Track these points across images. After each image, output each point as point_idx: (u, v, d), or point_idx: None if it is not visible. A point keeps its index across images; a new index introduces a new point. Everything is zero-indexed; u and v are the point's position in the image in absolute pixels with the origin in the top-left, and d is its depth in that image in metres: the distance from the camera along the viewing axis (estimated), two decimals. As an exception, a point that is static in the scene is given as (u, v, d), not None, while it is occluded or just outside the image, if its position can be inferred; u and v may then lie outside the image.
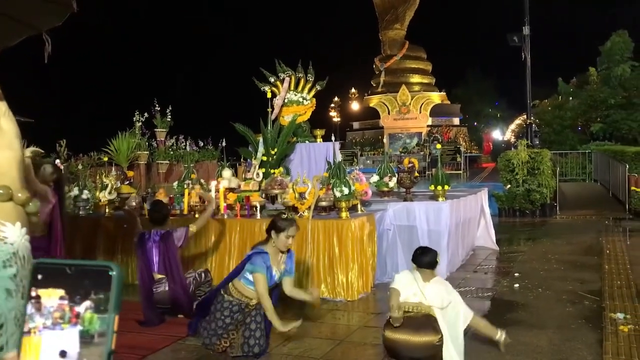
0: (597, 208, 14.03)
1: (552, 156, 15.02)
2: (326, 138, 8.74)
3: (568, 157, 18.93)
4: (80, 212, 7.75)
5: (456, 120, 35.63)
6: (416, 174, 7.54)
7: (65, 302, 0.98)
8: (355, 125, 36.24)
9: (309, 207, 6.39)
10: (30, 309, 0.97)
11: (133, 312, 5.47)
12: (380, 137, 31.70)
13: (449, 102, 36.24)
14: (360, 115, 36.58)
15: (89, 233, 7.51)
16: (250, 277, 4.31)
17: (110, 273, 0.99)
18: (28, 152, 5.32)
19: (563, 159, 18.68)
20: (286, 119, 8.82)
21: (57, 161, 5.90)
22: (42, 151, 5.46)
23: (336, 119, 42.41)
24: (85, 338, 0.96)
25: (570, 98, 27.40)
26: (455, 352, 4.02)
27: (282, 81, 8.95)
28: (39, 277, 1.00)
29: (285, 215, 4.50)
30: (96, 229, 7.47)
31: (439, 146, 7.82)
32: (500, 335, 4.33)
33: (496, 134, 48.61)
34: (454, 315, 4.14)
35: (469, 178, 22.13)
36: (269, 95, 8.67)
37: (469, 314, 4.24)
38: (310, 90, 9.01)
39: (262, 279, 4.24)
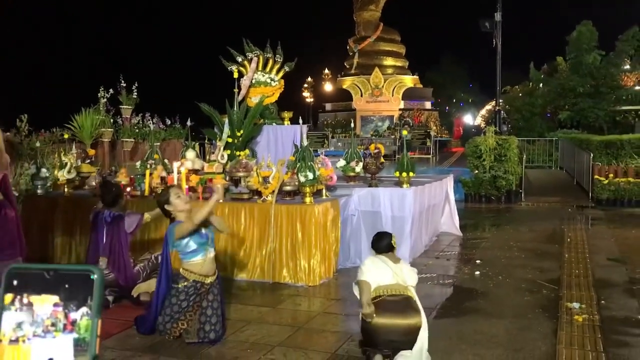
0: (561, 195, 14.24)
1: (520, 143, 15.17)
2: (294, 121, 8.62)
3: (535, 144, 19.16)
4: (39, 191, 7.52)
5: (428, 104, 35.73)
6: (382, 159, 7.49)
7: (60, 308, 0.97)
8: (328, 106, 36.08)
9: (273, 192, 6.32)
10: (19, 317, 0.96)
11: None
12: (351, 119, 31.68)
13: (421, 86, 36.30)
14: (333, 96, 36.44)
15: (46, 212, 7.31)
16: (187, 249, 4.36)
17: (92, 277, 0.98)
18: None
19: (530, 145, 18.91)
20: (253, 100, 8.67)
21: None
22: None
23: (309, 100, 42.25)
24: (80, 346, 0.96)
25: (541, 85, 27.69)
26: (426, 335, 3.89)
27: (250, 61, 8.78)
28: (14, 282, 0.98)
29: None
30: (54, 209, 7.27)
31: (405, 132, 7.76)
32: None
33: (467, 119, 49.01)
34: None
35: (438, 162, 22.26)
36: (235, 75, 8.49)
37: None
38: (278, 71, 8.85)
39: (180, 227, 4.34)
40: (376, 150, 7.43)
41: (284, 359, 4.11)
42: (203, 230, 4.45)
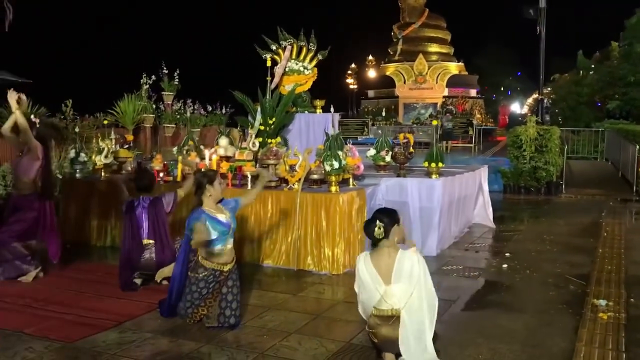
0: (604, 188, 13.83)
1: (562, 134, 14.77)
2: (327, 109, 8.64)
3: (580, 134, 18.62)
4: (77, 175, 7.80)
5: (473, 92, 35.12)
6: (411, 149, 7.44)
7: None
8: (371, 93, 35.88)
9: (299, 180, 6.37)
10: None
11: (114, 276, 5.56)
12: (393, 106, 31.42)
13: (466, 73, 35.66)
14: (376, 83, 36.18)
15: (84, 195, 7.58)
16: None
17: None
18: (14, 109, 5.39)
19: (575, 136, 18.39)
20: (287, 88, 8.73)
21: (32, 117, 5.89)
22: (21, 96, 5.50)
23: (353, 87, 42.05)
24: None
25: (591, 73, 26.77)
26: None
27: (284, 49, 8.83)
28: None
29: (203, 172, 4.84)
30: (91, 192, 7.53)
31: (435, 122, 7.68)
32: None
33: (515, 107, 47.89)
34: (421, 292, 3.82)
35: (481, 152, 21.89)
36: (268, 63, 8.55)
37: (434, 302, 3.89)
38: (312, 59, 8.89)
39: (201, 227, 4.40)
40: (405, 140, 7.38)
41: (298, 346, 4.17)
42: (224, 220, 4.55)
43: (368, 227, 3.90)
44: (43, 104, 11.80)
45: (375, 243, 3.89)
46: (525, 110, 43.70)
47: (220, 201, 4.70)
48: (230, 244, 4.59)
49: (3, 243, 5.67)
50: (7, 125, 5.53)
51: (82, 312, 4.76)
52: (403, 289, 3.78)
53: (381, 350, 3.91)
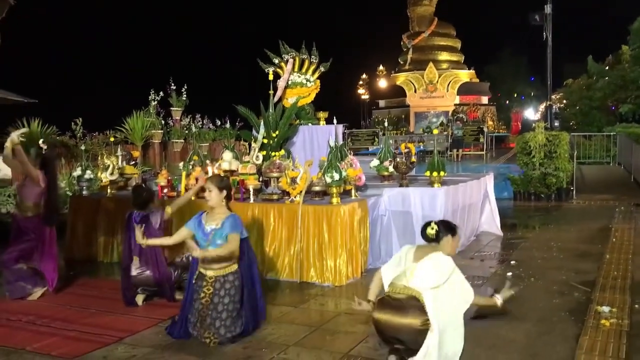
0: (616, 193, 13.68)
1: (574, 139, 14.65)
2: (330, 120, 8.68)
3: (592, 139, 18.46)
4: (84, 192, 7.91)
5: (485, 99, 35.08)
6: (413, 159, 7.44)
7: None
8: (382, 103, 35.99)
9: (300, 192, 6.41)
10: None
11: (118, 292, 5.62)
12: (403, 116, 31.43)
13: (478, 80, 35.63)
14: (387, 93, 36.30)
15: (90, 212, 7.67)
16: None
17: None
18: (15, 136, 5.47)
19: (587, 141, 18.23)
20: (290, 101, 8.80)
21: (41, 142, 5.98)
22: (26, 130, 5.58)
23: (364, 97, 42.16)
24: None
25: (606, 78, 26.51)
26: (436, 341, 3.87)
27: (286, 62, 8.90)
28: None
29: None
30: (97, 209, 7.62)
31: (435, 131, 7.69)
32: (498, 301, 4.52)
33: (528, 113, 47.59)
34: (448, 296, 3.95)
35: (493, 159, 21.80)
36: (270, 77, 8.62)
37: (470, 295, 4.11)
38: (314, 72, 8.96)
39: (183, 229, 4.72)
40: (406, 150, 7.39)
41: (296, 358, 4.18)
42: (208, 229, 4.58)
43: (424, 228, 4.20)
44: (53, 122, 12.04)
45: (429, 242, 4.18)
46: (538, 116, 43.44)
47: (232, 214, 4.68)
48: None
49: (8, 264, 5.75)
50: (7, 151, 5.59)
51: (85, 328, 4.82)
52: (423, 277, 3.92)
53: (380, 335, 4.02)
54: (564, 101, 29.72)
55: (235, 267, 4.60)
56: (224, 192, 4.68)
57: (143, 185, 6.54)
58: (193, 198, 6.90)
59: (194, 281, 4.58)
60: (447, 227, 4.19)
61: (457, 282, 4.05)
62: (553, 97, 23.19)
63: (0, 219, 9.12)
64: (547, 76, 15.34)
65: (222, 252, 4.46)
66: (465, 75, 34.23)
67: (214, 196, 4.62)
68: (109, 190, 7.76)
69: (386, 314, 3.87)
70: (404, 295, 3.88)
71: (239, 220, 4.64)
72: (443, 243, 4.14)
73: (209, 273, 4.53)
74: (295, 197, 6.49)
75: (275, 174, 7.27)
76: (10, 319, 5.10)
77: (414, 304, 3.84)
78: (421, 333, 3.79)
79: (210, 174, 7.09)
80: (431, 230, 4.13)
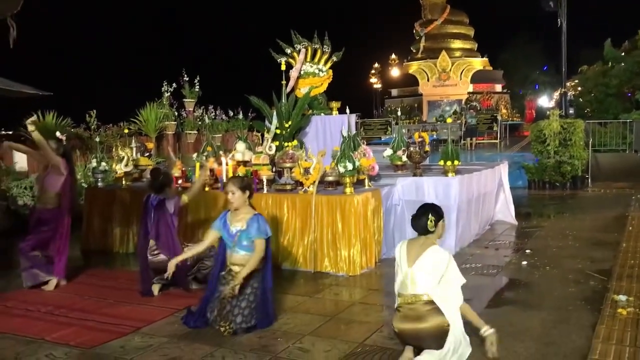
0: (632, 180, 13.54)
1: (587, 126, 14.49)
2: (342, 110, 8.66)
3: (608, 126, 18.25)
4: (99, 184, 7.98)
5: (498, 87, 34.73)
6: (427, 148, 7.41)
7: None
8: (394, 92, 35.74)
9: (314, 183, 6.41)
10: None
11: (134, 282, 5.68)
12: (416, 104, 31.24)
13: (491, 68, 35.27)
14: (400, 82, 36.00)
15: (106, 204, 7.74)
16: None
17: None
18: (29, 125, 5.54)
19: (603, 128, 18.03)
20: (302, 91, 8.78)
21: (58, 133, 6.04)
22: (34, 119, 5.66)
23: (377, 86, 41.93)
24: None
25: (622, 64, 26.12)
26: (459, 333, 3.82)
27: (299, 52, 8.88)
28: None
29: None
30: (113, 200, 7.68)
31: (449, 120, 7.65)
32: (485, 330, 3.95)
33: (543, 101, 47.05)
34: (450, 284, 3.86)
35: (507, 147, 21.62)
36: (283, 67, 8.59)
37: (459, 299, 3.90)
38: (326, 61, 8.93)
39: (211, 232, 4.82)
40: (420, 139, 7.36)
41: (311, 348, 4.20)
42: (233, 230, 4.63)
43: (419, 220, 3.95)
44: (68, 114, 12.12)
45: (422, 235, 3.96)
46: (552, 104, 42.98)
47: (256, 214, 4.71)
48: (236, 253, 4.65)
49: (24, 250, 5.83)
50: (41, 142, 5.70)
51: (102, 319, 4.87)
52: (425, 278, 3.82)
53: (402, 343, 3.93)
54: (579, 88, 29.37)
55: (259, 266, 4.67)
56: (247, 192, 4.71)
57: (160, 169, 6.60)
58: (207, 189, 6.96)
59: (221, 274, 4.66)
60: (439, 214, 4.00)
61: (453, 269, 3.90)
62: (568, 84, 22.94)
63: (18, 210, 9.23)
64: (562, 63, 15.17)
65: (253, 265, 4.55)
66: (479, 63, 33.86)
67: (237, 198, 4.65)
68: (123, 182, 7.82)
69: (407, 324, 3.80)
70: (417, 302, 3.81)
71: (263, 220, 4.68)
72: (437, 230, 3.98)
73: (236, 268, 4.61)
74: (308, 187, 6.49)
75: (288, 165, 7.26)
76: (29, 309, 5.17)
77: (429, 308, 3.77)
78: (444, 333, 3.77)
79: (224, 164, 7.12)
80: (431, 224, 3.90)
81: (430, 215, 3.93)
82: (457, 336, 3.82)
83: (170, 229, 5.57)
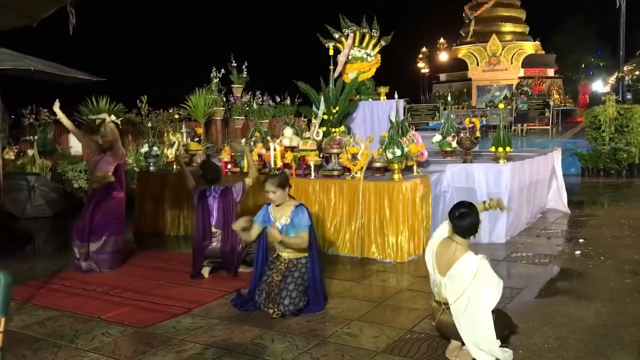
0: (693, 169, 12.97)
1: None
2: (391, 95, 8.57)
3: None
4: (151, 168, 8.16)
5: (550, 72, 33.76)
6: (477, 134, 7.27)
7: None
8: (442, 77, 35.18)
9: (361, 169, 6.38)
10: None
11: (185, 264, 5.81)
12: (465, 90, 30.67)
13: (543, 52, 34.26)
14: (448, 66, 35.38)
15: (157, 188, 7.92)
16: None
17: None
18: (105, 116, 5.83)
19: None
20: (350, 76, 8.72)
21: (113, 117, 6.20)
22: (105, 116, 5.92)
23: (424, 71, 41.35)
24: None
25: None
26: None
27: (347, 37, 8.81)
28: None
29: (274, 172, 4.81)
30: (164, 184, 7.86)
31: (501, 105, 7.46)
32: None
33: (597, 86, 45.49)
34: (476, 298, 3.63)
35: (559, 133, 21.05)
36: (331, 52, 8.53)
37: (492, 301, 3.62)
38: (375, 46, 8.83)
39: (255, 226, 4.77)
40: (471, 125, 7.22)
41: (359, 333, 4.21)
42: (278, 226, 4.67)
43: (463, 220, 3.70)
44: (120, 100, 12.41)
45: (458, 234, 3.74)
46: (607, 89, 41.51)
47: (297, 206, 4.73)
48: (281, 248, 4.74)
49: (76, 234, 6.02)
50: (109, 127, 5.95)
51: (155, 299, 5.00)
52: (455, 288, 3.69)
53: (441, 335, 3.92)
54: (637, 72, 28.28)
55: (306, 253, 4.73)
56: (287, 189, 4.75)
57: (211, 161, 6.71)
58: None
59: (270, 259, 4.78)
60: (477, 214, 3.76)
61: (485, 274, 3.63)
62: (625, 68, 22.08)
63: (74, 193, 9.54)
64: (620, 46, 14.60)
65: (297, 242, 4.63)
66: (530, 47, 32.93)
67: (278, 196, 4.69)
68: (174, 166, 7.97)
69: (445, 315, 3.79)
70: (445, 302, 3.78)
71: (306, 212, 4.70)
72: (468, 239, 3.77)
73: (284, 255, 4.71)
74: (356, 173, 6.47)
75: (335, 150, 7.25)
76: (86, 288, 5.36)
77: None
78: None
79: (272, 150, 7.16)
80: (478, 232, 3.73)
81: (478, 219, 3.71)
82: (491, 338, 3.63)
83: (233, 218, 5.65)
